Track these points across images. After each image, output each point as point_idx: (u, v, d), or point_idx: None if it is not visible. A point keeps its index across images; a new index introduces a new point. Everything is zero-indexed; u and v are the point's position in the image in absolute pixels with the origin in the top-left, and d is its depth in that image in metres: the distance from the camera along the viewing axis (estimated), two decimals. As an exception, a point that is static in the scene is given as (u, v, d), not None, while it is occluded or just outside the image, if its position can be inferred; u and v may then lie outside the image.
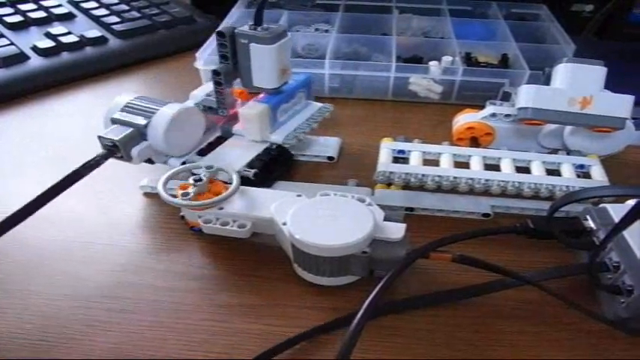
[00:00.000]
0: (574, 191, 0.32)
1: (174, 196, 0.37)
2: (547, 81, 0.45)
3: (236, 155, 0.44)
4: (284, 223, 0.34)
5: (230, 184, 0.38)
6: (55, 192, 0.38)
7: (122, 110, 0.41)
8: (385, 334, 0.34)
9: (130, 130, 0.40)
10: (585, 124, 0.43)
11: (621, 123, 0.42)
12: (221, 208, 0.37)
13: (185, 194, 0.37)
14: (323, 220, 0.34)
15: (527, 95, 0.43)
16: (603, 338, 0.34)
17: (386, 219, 0.35)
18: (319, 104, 0.50)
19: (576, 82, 0.42)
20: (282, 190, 0.40)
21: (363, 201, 0.36)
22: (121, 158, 0.41)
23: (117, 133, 0.40)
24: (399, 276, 0.33)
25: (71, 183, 0.38)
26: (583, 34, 0.46)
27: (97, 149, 0.40)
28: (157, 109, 0.41)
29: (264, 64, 0.42)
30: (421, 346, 0.34)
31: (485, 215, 0.43)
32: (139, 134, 0.41)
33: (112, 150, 0.40)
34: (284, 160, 0.46)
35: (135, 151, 0.40)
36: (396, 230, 0.34)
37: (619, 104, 0.42)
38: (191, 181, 0.38)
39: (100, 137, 0.40)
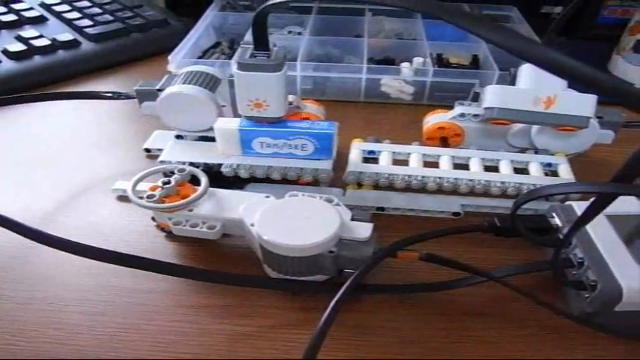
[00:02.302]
0: (535, 189, 0.33)
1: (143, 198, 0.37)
2: (513, 81, 0.45)
3: (195, 153, 0.45)
4: (252, 224, 0.35)
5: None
6: (69, 96, 0.52)
7: (183, 72, 0.46)
8: (354, 332, 0.35)
9: (150, 88, 0.46)
10: (550, 123, 0.44)
11: (585, 122, 0.43)
12: (190, 210, 0.37)
13: (150, 196, 0.37)
14: (290, 220, 0.34)
15: (492, 95, 0.44)
16: (569, 334, 0.35)
17: (354, 219, 0.36)
18: (323, 167, 0.43)
19: (540, 82, 0.43)
20: (253, 192, 0.40)
21: (330, 201, 0.36)
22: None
23: (141, 85, 0.47)
24: (367, 275, 0.33)
25: (87, 97, 0.52)
26: (545, 35, 0.46)
27: (72, 152, 0.40)
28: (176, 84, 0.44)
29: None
30: (391, 343, 0.34)
31: (456, 214, 0.44)
32: (155, 94, 0.45)
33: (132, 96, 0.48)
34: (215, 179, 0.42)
35: (144, 104, 0.47)
36: (364, 230, 0.35)
37: (583, 103, 0.42)
38: (160, 183, 0.38)
39: None
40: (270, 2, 0.30)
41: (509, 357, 0.34)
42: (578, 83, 0.20)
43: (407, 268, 0.38)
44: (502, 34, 0.20)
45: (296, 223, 0.34)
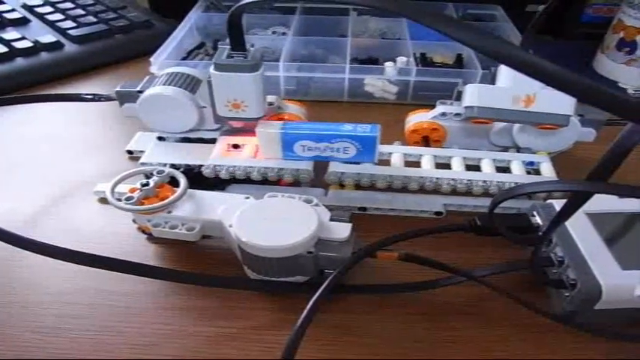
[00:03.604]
0: (511, 187, 0.33)
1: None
2: (493, 80, 0.46)
3: (177, 154, 0.45)
4: (230, 226, 0.34)
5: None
6: (50, 98, 0.52)
7: (164, 74, 0.45)
8: (337, 332, 0.35)
9: (130, 90, 0.45)
10: (530, 122, 0.44)
11: (565, 120, 0.43)
12: (169, 212, 0.37)
13: (129, 198, 0.36)
14: (268, 221, 0.34)
15: (472, 94, 0.44)
16: (550, 332, 0.35)
17: (332, 219, 0.36)
18: (303, 167, 0.43)
19: (519, 81, 0.43)
20: (234, 193, 0.40)
21: (309, 202, 0.36)
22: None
23: (122, 87, 0.46)
24: (347, 275, 0.33)
25: (66, 100, 0.51)
26: (525, 34, 0.46)
27: (56, 155, 0.44)
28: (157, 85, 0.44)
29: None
30: (372, 343, 0.34)
31: (438, 213, 0.44)
32: (135, 96, 0.44)
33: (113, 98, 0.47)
34: (197, 180, 0.42)
35: (125, 106, 0.46)
36: (342, 230, 0.34)
37: (562, 102, 0.42)
38: (138, 185, 0.37)
39: None
40: (244, 2, 0.30)
41: (491, 356, 0.34)
42: (548, 84, 0.19)
43: (389, 267, 0.38)
44: (470, 33, 0.20)
45: (274, 224, 0.34)
